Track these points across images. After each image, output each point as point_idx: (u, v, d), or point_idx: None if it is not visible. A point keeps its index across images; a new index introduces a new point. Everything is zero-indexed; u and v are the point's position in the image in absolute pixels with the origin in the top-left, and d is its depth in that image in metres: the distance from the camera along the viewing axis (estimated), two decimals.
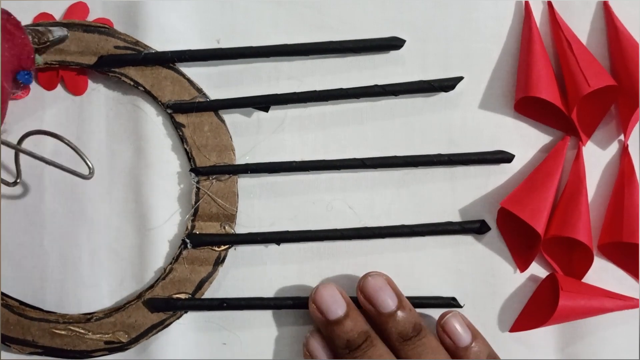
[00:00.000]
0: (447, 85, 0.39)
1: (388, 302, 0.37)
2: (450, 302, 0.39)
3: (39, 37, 0.37)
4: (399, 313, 0.37)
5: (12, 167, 0.38)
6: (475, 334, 0.37)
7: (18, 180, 0.38)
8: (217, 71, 0.40)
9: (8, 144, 0.36)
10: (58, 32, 0.38)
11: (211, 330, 0.40)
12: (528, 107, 0.40)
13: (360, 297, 0.38)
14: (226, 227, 0.39)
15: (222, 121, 0.40)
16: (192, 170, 0.39)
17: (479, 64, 0.40)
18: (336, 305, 0.37)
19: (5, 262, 0.40)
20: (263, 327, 0.40)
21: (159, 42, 0.40)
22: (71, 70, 0.40)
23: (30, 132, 0.37)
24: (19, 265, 0.40)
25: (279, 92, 0.40)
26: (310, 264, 0.40)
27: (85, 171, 0.37)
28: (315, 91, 0.39)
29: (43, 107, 0.40)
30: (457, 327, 0.37)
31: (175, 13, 0.40)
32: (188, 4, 0.41)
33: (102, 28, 0.39)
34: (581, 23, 0.40)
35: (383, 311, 0.37)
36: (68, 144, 0.36)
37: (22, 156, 0.37)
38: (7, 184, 0.38)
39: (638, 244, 0.37)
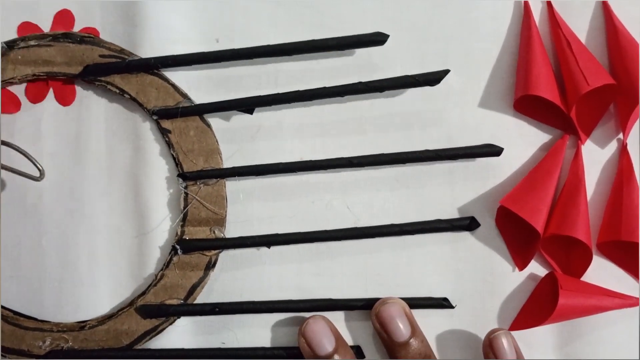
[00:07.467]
0: (432, 79, 0.38)
1: (402, 332, 0.37)
2: (442, 303, 0.39)
3: None
4: (412, 342, 0.37)
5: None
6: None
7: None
8: (205, 75, 0.40)
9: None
10: None
11: (210, 330, 0.40)
12: (527, 105, 0.40)
13: (375, 323, 0.37)
14: (215, 232, 0.39)
15: (208, 125, 0.40)
16: (179, 175, 0.39)
17: (478, 63, 0.40)
18: (325, 340, 0.37)
19: (4, 262, 0.40)
20: (261, 327, 0.40)
21: (158, 42, 0.40)
22: (58, 81, 0.40)
23: None
24: (17, 265, 0.40)
25: (262, 94, 0.39)
26: (306, 265, 0.40)
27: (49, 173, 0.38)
28: (297, 91, 0.39)
29: (42, 107, 0.40)
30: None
31: (174, 13, 0.40)
32: (187, 4, 0.40)
33: (88, 37, 0.39)
34: (580, 22, 0.40)
35: (396, 340, 0.37)
36: (17, 149, 0.37)
37: (21, 157, 0.38)
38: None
39: (637, 243, 0.37)
